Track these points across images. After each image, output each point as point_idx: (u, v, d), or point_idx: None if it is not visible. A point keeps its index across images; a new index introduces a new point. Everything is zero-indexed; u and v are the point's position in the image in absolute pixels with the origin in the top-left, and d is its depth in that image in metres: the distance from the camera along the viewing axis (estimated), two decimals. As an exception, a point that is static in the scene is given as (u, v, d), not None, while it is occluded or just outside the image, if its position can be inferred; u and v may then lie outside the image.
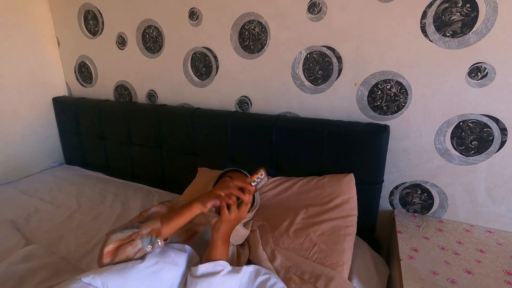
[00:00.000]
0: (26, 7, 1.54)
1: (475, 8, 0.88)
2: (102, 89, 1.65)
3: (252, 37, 1.20)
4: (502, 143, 0.96)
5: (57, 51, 1.70)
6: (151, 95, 1.52)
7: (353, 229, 0.99)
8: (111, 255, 0.69)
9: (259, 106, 1.28)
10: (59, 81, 1.74)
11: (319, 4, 1.06)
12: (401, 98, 1.04)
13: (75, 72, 1.71)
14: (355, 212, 1.01)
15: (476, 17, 0.89)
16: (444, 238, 0.98)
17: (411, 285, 0.76)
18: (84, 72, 1.68)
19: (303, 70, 1.15)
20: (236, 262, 0.86)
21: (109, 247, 0.69)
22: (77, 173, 1.66)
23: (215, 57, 1.30)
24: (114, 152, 1.61)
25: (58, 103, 1.71)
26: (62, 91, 1.77)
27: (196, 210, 0.74)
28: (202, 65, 1.33)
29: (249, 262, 0.90)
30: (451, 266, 0.85)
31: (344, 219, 0.99)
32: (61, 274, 0.88)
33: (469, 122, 0.98)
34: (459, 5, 0.90)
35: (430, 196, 1.10)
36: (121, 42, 1.50)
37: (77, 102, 1.65)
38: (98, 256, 0.70)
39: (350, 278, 0.89)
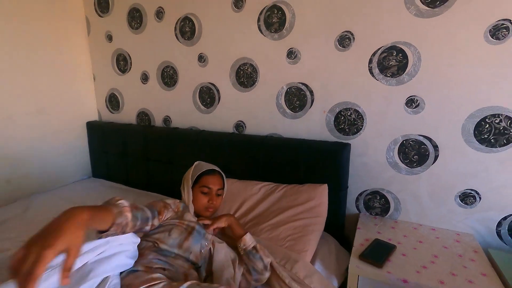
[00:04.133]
0: (71, 50, 1.94)
1: (405, 56, 1.20)
2: (127, 115, 2.02)
3: (246, 75, 1.54)
4: (436, 157, 1.23)
5: (92, 85, 2.10)
6: (166, 120, 1.86)
7: (320, 226, 1.24)
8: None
9: (251, 128, 1.59)
10: (92, 108, 2.12)
11: (295, 52, 1.40)
12: (358, 123, 1.33)
13: (105, 101, 2.09)
14: (325, 214, 1.27)
15: (407, 63, 1.20)
16: (394, 234, 1.23)
17: (354, 262, 1.01)
18: (113, 101, 2.05)
19: (285, 101, 1.47)
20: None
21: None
22: (102, 184, 1.98)
23: (218, 90, 1.64)
24: (134, 167, 1.93)
25: (91, 126, 2.07)
26: (94, 117, 2.14)
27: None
28: (207, 96, 1.68)
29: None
30: (394, 252, 1.09)
31: (314, 219, 1.25)
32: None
33: (410, 141, 1.26)
34: (394, 55, 1.21)
35: (387, 201, 1.36)
36: (144, 78, 1.87)
37: (106, 126, 2.01)
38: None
39: (313, 261, 1.13)
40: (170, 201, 1.12)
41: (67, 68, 1.94)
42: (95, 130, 2.06)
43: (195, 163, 1.27)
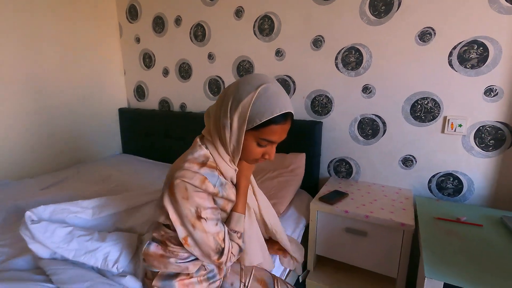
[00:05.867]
0: (106, 50, 2.42)
1: (361, 55, 1.59)
2: (151, 102, 2.48)
3: (244, 70, 1.97)
4: (384, 131, 1.61)
5: (123, 78, 2.58)
6: (183, 106, 2.32)
7: (298, 182, 1.66)
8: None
9: (249, 112, 2.01)
10: (123, 97, 2.61)
11: (281, 51, 1.81)
12: (328, 105, 1.73)
13: (134, 91, 2.57)
14: (302, 174, 1.68)
15: (362, 59, 1.59)
16: (351, 188, 1.63)
17: (314, 202, 1.43)
18: (140, 92, 2.53)
19: (274, 89, 1.88)
20: None
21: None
22: (132, 158, 2.46)
23: (223, 81, 2.07)
24: (157, 143, 2.40)
25: (122, 111, 2.56)
26: (125, 104, 2.63)
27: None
28: (215, 86, 2.12)
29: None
30: (346, 198, 1.50)
31: (294, 177, 1.67)
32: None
33: (366, 119, 1.65)
34: (353, 53, 1.61)
35: (351, 166, 1.76)
36: (165, 72, 2.33)
37: (134, 111, 2.48)
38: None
39: (289, 208, 1.55)
40: (204, 192, 0.79)
41: (103, 64, 2.42)
42: (125, 115, 2.54)
43: (262, 87, 0.74)
